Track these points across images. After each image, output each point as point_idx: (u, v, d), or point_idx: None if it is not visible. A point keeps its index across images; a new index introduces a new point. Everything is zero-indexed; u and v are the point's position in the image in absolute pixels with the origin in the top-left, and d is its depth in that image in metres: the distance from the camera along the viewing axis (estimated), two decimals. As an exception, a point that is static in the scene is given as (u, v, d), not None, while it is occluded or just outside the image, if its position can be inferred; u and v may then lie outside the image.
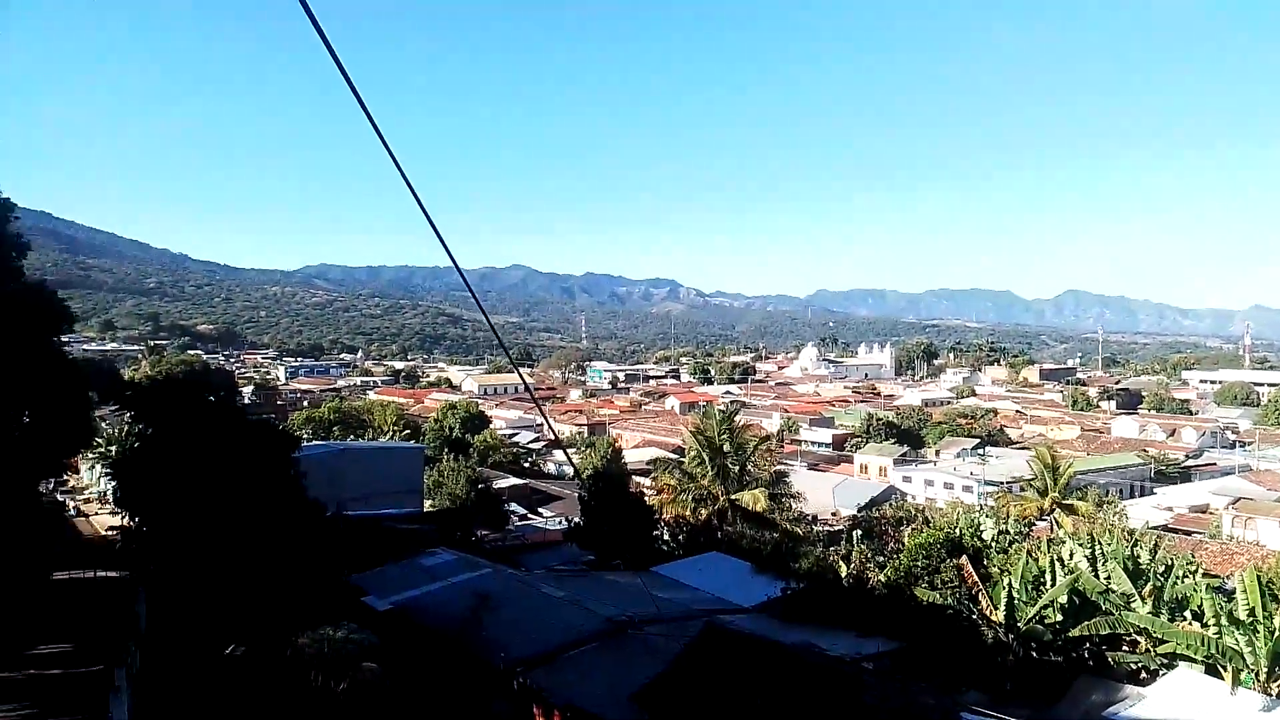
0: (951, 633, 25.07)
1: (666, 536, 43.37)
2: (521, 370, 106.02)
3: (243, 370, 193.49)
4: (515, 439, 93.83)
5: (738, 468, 45.43)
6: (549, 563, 35.81)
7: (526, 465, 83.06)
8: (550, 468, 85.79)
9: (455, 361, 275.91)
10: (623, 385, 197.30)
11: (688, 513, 43.81)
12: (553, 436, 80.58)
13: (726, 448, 45.54)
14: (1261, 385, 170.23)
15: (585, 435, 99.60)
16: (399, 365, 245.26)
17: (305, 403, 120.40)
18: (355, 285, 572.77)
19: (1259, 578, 26.65)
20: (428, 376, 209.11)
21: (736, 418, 51.50)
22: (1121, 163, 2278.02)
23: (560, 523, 49.64)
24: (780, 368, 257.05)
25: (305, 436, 60.65)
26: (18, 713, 14.79)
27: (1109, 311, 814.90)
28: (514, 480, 64.14)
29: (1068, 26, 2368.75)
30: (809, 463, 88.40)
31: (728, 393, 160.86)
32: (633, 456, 76.95)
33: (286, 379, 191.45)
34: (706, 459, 45.14)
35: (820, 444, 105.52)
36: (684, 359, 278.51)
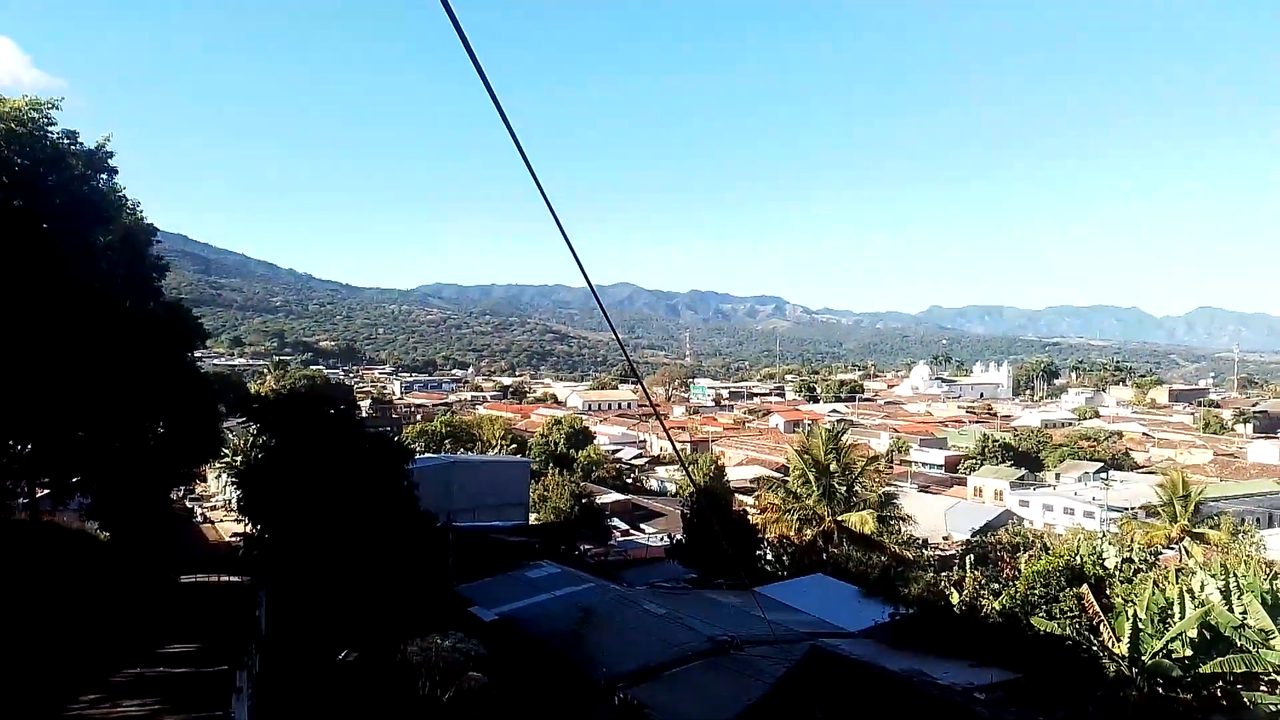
0: (1070, 664, 23.95)
1: (770, 556, 42.87)
2: (640, 380, 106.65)
3: (361, 385, 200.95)
4: (618, 454, 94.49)
5: (844, 488, 44.56)
6: (651, 579, 35.85)
7: (629, 481, 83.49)
8: (652, 484, 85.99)
9: (561, 378, 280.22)
10: (726, 403, 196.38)
11: (792, 533, 43.20)
12: (669, 450, 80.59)
13: (833, 467, 44.75)
14: None
15: (689, 452, 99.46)
16: (507, 381, 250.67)
17: (419, 416, 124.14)
18: (468, 303, 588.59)
19: None
20: (534, 392, 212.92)
21: (843, 437, 50.54)
22: (1258, 169, 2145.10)
23: (662, 539, 49.68)
24: (890, 386, 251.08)
25: (418, 449, 62.59)
26: (148, 707, 15.66)
27: (1246, 329, 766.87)
28: (616, 496, 64.55)
29: (1201, 16, 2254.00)
30: (919, 485, 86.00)
31: (834, 411, 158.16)
32: (736, 475, 76.38)
33: (401, 393, 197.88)
34: (812, 478, 44.45)
35: (932, 465, 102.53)
36: (789, 376, 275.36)
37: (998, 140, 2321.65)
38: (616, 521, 57.38)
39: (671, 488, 78.99)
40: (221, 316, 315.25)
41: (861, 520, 42.21)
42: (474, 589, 28.02)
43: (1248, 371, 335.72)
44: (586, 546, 43.85)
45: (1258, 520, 69.60)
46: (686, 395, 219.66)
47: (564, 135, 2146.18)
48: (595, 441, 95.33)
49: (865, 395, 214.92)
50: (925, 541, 54.99)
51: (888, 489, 52.85)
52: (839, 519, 42.97)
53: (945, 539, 58.31)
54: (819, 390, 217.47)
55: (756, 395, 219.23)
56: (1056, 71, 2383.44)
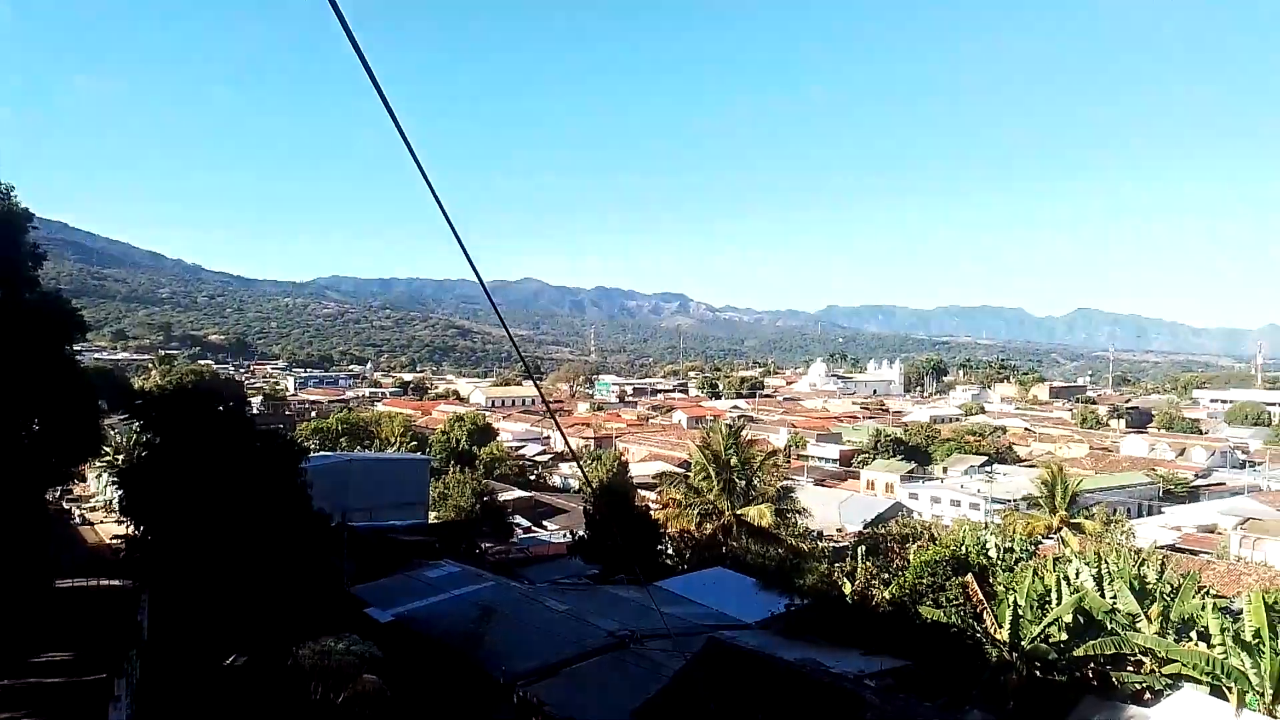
0: (956, 651, 24.95)
1: (671, 551, 43.28)
2: (536, 383, 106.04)
3: (253, 381, 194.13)
4: (522, 451, 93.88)
5: (744, 483, 45.30)
6: (553, 576, 35.80)
7: (533, 478, 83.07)
8: (556, 480, 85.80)
9: (464, 374, 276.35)
10: (630, 399, 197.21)
11: (693, 527, 43.71)
12: (567, 449, 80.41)
13: (733, 462, 45.44)
14: (1273, 405, 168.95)
15: (592, 449, 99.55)
16: (408, 377, 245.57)
17: (314, 413, 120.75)
18: (366, 297, 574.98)
19: (1265, 599, 26.48)
20: (436, 388, 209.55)
21: (744, 432, 51.43)
22: (1135, 179, 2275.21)
23: (565, 536, 49.61)
24: (789, 383, 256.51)
25: (313, 447, 60.85)
26: (18, 721, 14.85)
27: (1120, 330, 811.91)
28: (519, 493, 64.13)
29: (1082, 33, 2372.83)
30: (816, 479, 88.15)
31: (735, 407, 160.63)
32: (639, 470, 76.80)
33: (296, 390, 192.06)
34: (713, 473, 45.05)
35: (827, 460, 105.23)
36: (692, 373, 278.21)
37: (887, 151, 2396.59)
38: (519, 519, 57.01)
39: (575, 484, 78.95)
40: (104, 308, 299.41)
41: (760, 514, 43.00)
42: (370, 590, 27.44)
43: (1121, 370, 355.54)
44: (488, 545, 43.46)
45: (1128, 510, 73.86)
46: (591, 392, 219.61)
47: (464, 122, 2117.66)
48: (499, 438, 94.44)
49: (766, 391, 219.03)
50: (820, 533, 56.39)
51: (786, 483, 53.96)
52: (739, 513, 43.66)
53: (839, 531, 59.91)
54: (721, 387, 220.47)
55: (660, 392, 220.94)
56: (938, 79, 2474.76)
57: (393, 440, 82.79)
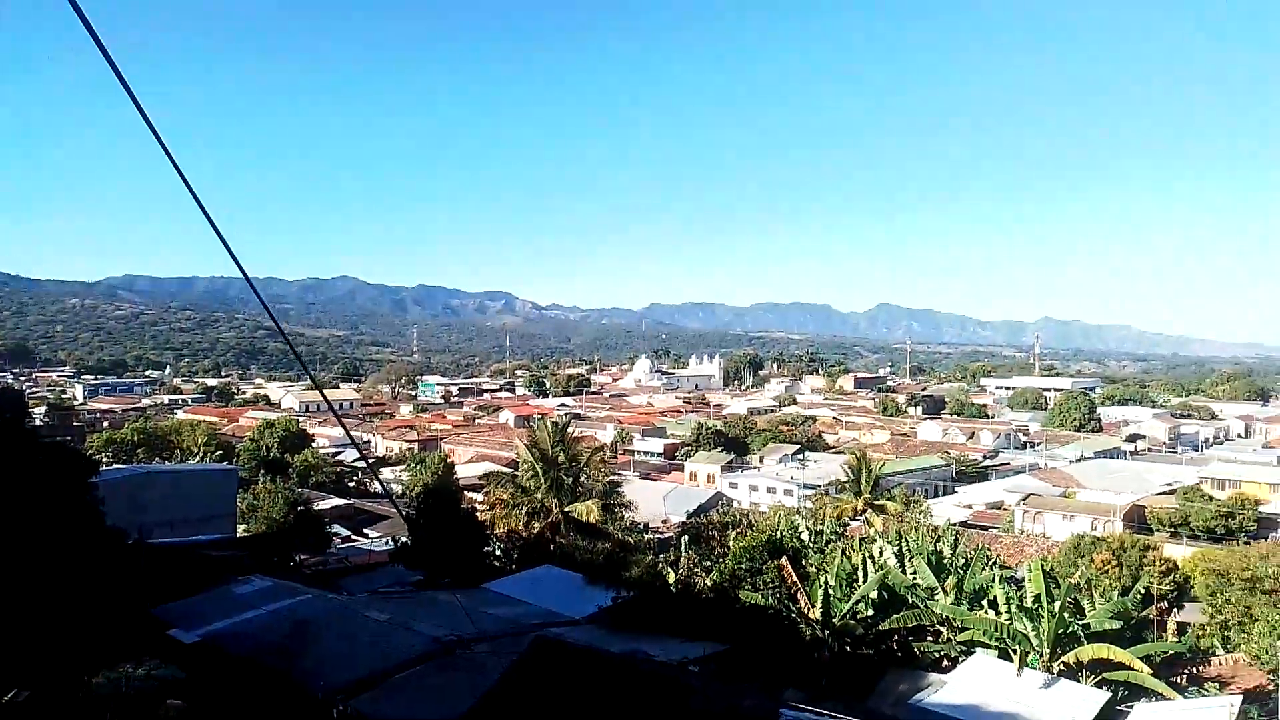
0: (773, 632, 26.15)
1: (499, 552, 42.95)
2: (313, 378, 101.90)
3: (35, 390, 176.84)
4: (339, 457, 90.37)
5: (571, 479, 45.58)
6: (374, 585, 34.65)
7: (352, 485, 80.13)
8: (377, 486, 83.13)
9: (275, 378, 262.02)
10: (456, 399, 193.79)
11: (521, 526, 43.56)
12: (357, 451, 77.61)
13: (561, 459, 45.62)
14: (1049, 390, 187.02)
15: (416, 451, 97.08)
16: (212, 382, 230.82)
17: (106, 424, 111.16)
18: (164, 297, 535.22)
19: (1043, 568, 29.37)
20: (244, 394, 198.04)
21: (570, 429, 51.76)
22: (925, 180, 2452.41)
23: (387, 543, 48.19)
24: (615, 380, 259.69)
25: (105, 460, 56.10)
26: None
27: (917, 323, 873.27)
28: (337, 501, 61.73)
29: (895, 30, 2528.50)
30: (642, 472, 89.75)
31: (563, 405, 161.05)
32: (466, 471, 75.76)
33: (85, 398, 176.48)
34: (540, 471, 45.07)
35: (652, 454, 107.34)
36: (519, 372, 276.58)
37: (704, 154, 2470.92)
38: (338, 528, 54.90)
39: (398, 488, 76.83)
40: None
41: (588, 509, 43.42)
42: (174, 610, 25.66)
43: (918, 361, 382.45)
44: (304, 556, 41.57)
45: (926, 491, 79.65)
46: (414, 393, 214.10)
47: (277, 112, 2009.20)
48: (314, 444, 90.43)
49: (592, 389, 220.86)
50: (647, 526, 57.52)
51: (613, 478, 54.71)
52: (566, 509, 43.91)
53: (664, 522, 61.30)
54: (548, 385, 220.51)
55: (487, 391, 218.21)
56: (754, 85, 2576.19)
57: (195, 450, 77.55)
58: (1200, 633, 35.58)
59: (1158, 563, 42.51)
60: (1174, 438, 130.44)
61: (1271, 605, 32.52)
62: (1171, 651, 29.05)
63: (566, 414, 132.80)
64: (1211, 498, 65.52)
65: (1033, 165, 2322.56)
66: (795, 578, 28.43)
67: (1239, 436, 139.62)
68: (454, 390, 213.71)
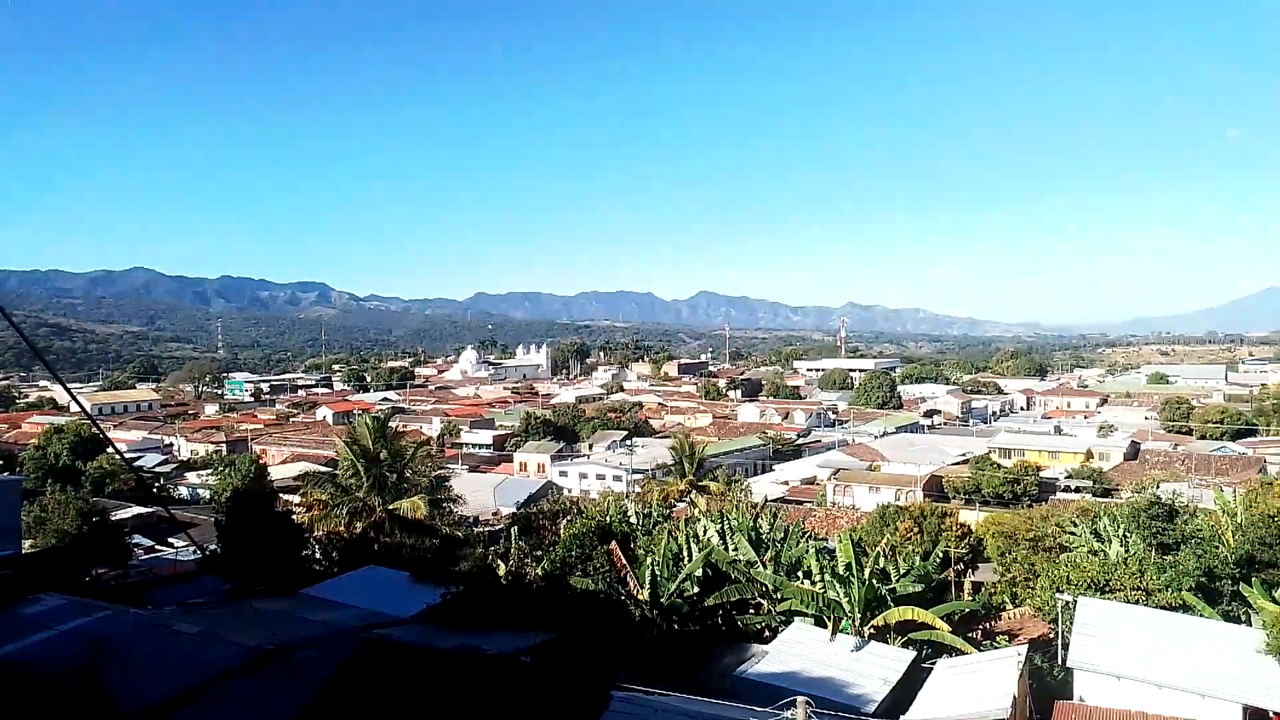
0: (604, 616, 26.55)
1: (319, 555, 41.27)
2: (61, 381, 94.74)
3: None
4: (140, 462, 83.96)
5: (395, 476, 44.32)
6: (182, 597, 32.54)
7: (155, 490, 74.63)
8: (183, 492, 77.87)
9: (64, 379, 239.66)
10: (268, 397, 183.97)
11: (342, 527, 41.98)
12: (116, 454, 72.04)
13: (383, 456, 44.23)
14: (855, 371, 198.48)
15: (225, 453, 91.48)
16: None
17: None
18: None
19: (852, 538, 31.25)
20: (26, 397, 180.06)
21: (393, 424, 50.35)
22: (743, 177, 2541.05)
23: (195, 552, 45.28)
24: (440, 371, 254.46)
25: None
26: None
27: (735, 310, 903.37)
28: (138, 509, 57.28)
29: (703, 32, 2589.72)
30: (471, 465, 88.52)
31: (385, 399, 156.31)
32: (281, 473, 72.23)
33: None
34: (361, 469, 43.53)
35: (481, 445, 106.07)
36: (337, 366, 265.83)
37: (529, 147, 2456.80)
38: (140, 538, 51.08)
39: (206, 493, 72.22)
40: None
41: (414, 506, 42.36)
42: (-54, 640, 23.13)
43: (736, 346, 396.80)
44: (102, 570, 38.48)
45: (746, 470, 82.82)
46: (221, 392, 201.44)
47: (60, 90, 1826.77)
48: (110, 450, 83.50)
49: (417, 381, 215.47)
50: (477, 519, 56.87)
51: (440, 472, 53.70)
52: (390, 507, 42.67)
53: (495, 514, 60.79)
54: (369, 379, 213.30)
55: (302, 387, 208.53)
56: (564, 81, 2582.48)
57: (-33, 462, 69.97)
58: (992, 590, 38.93)
59: (954, 528, 46.12)
60: (966, 412, 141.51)
61: (1051, 562, 35.98)
62: (968, 609, 31.66)
63: (389, 408, 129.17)
64: (1000, 466, 71.59)
65: (842, 164, 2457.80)
66: (624, 561, 28.97)
67: (1021, 409, 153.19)
68: (265, 388, 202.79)
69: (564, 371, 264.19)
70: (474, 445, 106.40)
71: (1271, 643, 24.46)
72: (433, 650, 19.69)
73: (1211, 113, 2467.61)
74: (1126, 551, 34.64)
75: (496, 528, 53.26)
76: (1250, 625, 27.16)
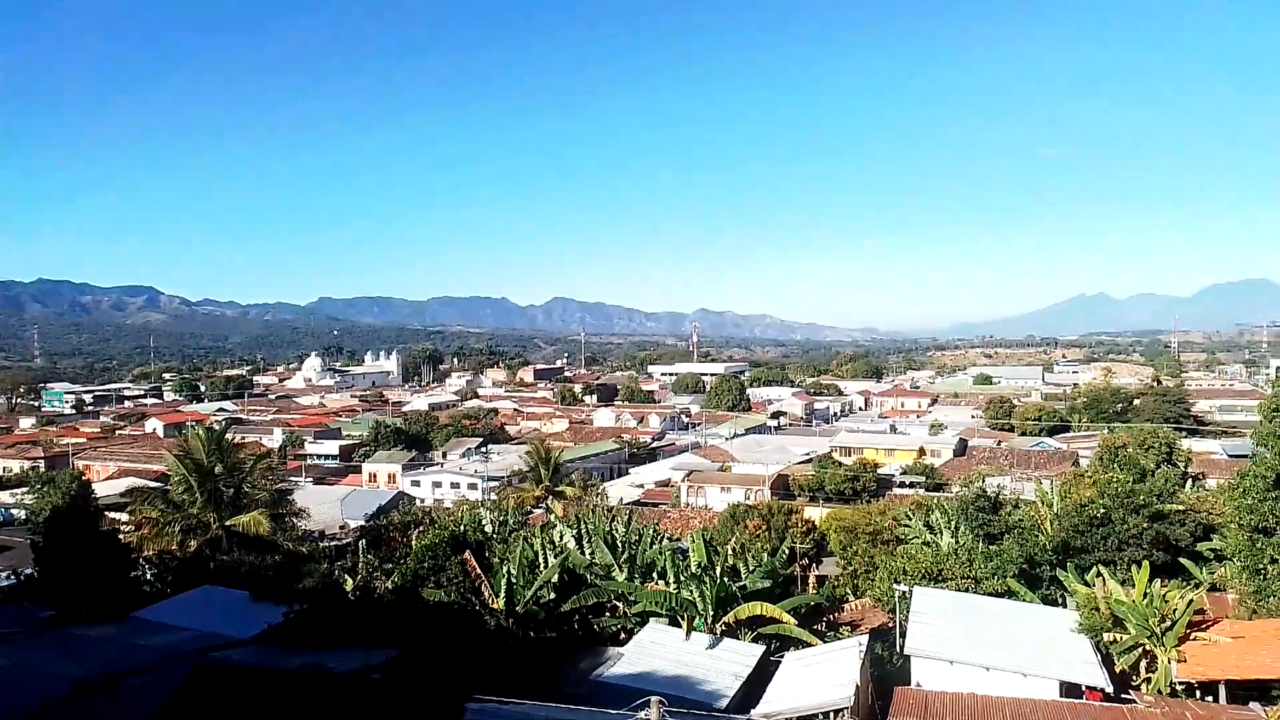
0: (458, 627, 26.11)
1: (150, 575, 38.73)
2: None
3: None
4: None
5: (232, 490, 42.24)
6: (-8, 628, 29.86)
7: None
8: (-8, 513, 71.33)
9: None
10: (91, 408, 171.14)
11: (175, 545, 39.63)
12: None
13: (218, 470, 42.02)
14: (706, 375, 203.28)
15: (42, 470, 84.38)
16: None
17: None
18: None
19: (704, 537, 31.99)
20: None
21: (230, 435, 47.84)
22: (595, 182, 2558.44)
23: (9, 578, 41.56)
24: (282, 380, 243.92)
25: None
26: None
27: (590, 316, 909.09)
28: (-62, 534, 52.19)
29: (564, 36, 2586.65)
30: (316, 476, 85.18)
31: (221, 410, 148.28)
32: (106, 489, 67.31)
33: None
34: (195, 484, 41.21)
35: (328, 456, 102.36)
36: (168, 375, 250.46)
37: (369, 147, 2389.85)
38: (-63, 567, 46.46)
39: (21, 514, 66.38)
40: None
41: (254, 521, 40.48)
42: None
43: (592, 351, 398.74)
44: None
45: (602, 474, 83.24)
46: (38, 403, 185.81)
47: None
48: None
49: (256, 391, 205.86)
50: (323, 533, 54.82)
51: (282, 485, 51.47)
52: (228, 524, 40.63)
53: (342, 528, 58.79)
54: (204, 388, 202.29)
55: (129, 398, 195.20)
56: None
57: None
58: (835, 583, 40.70)
59: (800, 524, 47.98)
60: (809, 413, 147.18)
61: (889, 554, 37.95)
62: (813, 602, 32.91)
63: (225, 419, 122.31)
64: (841, 464, 74.93)
65: (694, 174, 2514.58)
66: (479, 570, 28.58)
67: (860, 409, 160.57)
68: (88, 398, 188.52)
69: (416, 378, 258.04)
70: (319, 456, 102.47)
71: (1084, 622, 26.71)
72: (275, 671, 18.88)
73: (1028, 132, 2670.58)
74: (957, 542, 36.93)
75: (344, 541, 51.51)
76: (1066, 607, 29.55)
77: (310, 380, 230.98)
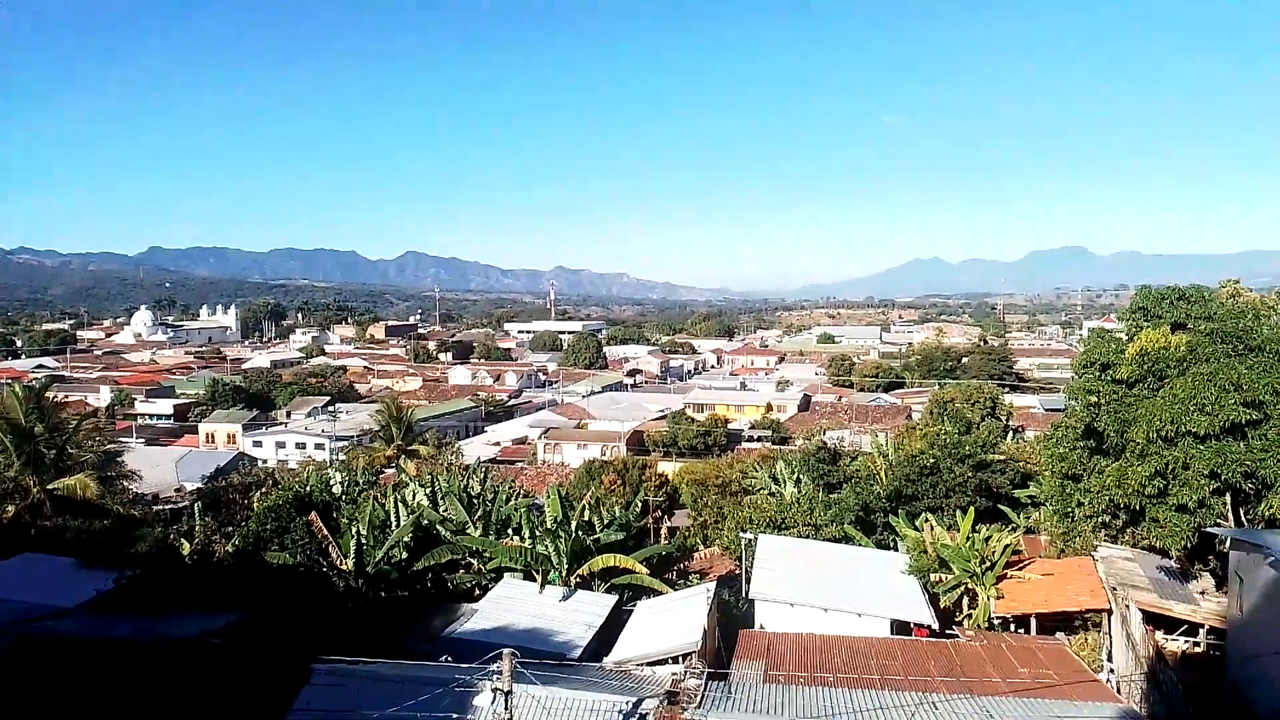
0: (305, 589, 25.48)
1: (-42, 546, 35.80)
2: None
3: None
4: None
5: (55, 452, 39.42)
6: None
7: None
8: None
9: None
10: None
11: (-13, 513, 36.68)
12: None
13: (38, 430, 39.08)
14: (564, 333, 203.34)
15: None
16: None
17: None
18: None
19: (560, 493, 32.30)
20: None
21: (51, 394, 44.59)
22: (451, 134, 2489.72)
23: None
24: (110, 335, 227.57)
25: None
26: None
27: (444, 272, 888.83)
28: None
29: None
30: (148, 438, 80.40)
31: (41, 367, 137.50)
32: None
33: None
34: (11, 446, 38.21)
35: (161, 416, 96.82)
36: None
37: (211, 80, 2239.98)
38: None
39: None
40: None
41: (80, 485, 38.03)
42: None
43: (447, 308, 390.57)
44: None
45: (458, 433, 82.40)
46: None
47: None
48: None
49: (80, 346, 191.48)
50: (157, 496, 52.27)
51: (111, 446, 48.38)
52: (50, 487, 37.97)
53: (178, 490, 56.04)
54: (20, 344, 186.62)
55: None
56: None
57: None
58: (686, 533, 42.02)
59: (653, 478, 49.18)
60: (665, 370, 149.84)
61: (737, 505, 39.45)
62: (665, 552, 33.88)
63: (46, 377, 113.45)
64: (694, 420, 76.94)
65: (551, 133, 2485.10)
66: (326, 531, 27.92)
67: (713, 367, 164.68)
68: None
69: (257, 334, 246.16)
70: (152, 416, 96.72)
71: (913, 564, 28.66)
72: (105, 640, 17.95)
73: (873, 102, 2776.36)
74: (799, 492, 38.80)
75: (180, 505, 49.10)
76: (898, 550, 31.60)
77: (140, 335, 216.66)
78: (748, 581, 27.66)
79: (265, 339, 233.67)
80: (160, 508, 47.19)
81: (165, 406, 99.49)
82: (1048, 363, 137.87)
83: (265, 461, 67.84)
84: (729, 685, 18.99)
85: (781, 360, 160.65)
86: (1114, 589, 25.24)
